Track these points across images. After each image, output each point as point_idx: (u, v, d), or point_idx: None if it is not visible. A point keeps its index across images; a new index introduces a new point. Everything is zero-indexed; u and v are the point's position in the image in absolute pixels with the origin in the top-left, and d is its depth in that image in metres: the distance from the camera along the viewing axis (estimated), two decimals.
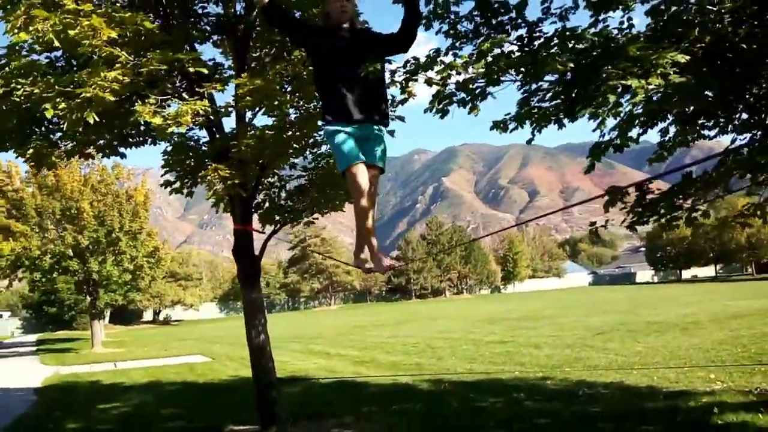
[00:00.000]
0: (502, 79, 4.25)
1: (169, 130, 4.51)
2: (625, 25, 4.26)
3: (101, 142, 5.95)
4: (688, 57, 3.50)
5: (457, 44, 4.82)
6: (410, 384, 8.66)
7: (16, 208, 22.18)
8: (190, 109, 4.53)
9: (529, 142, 4.80)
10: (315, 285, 69.65)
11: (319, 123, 3.57)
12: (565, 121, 4.29)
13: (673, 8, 4.11)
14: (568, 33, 3.89)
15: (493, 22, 4.70)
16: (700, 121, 3.80)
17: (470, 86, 4.33)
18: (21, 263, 21.81)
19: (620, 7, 4.28)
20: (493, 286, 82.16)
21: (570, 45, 3.84)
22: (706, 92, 3.58)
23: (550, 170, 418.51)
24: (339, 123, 2.94)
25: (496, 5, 4.53)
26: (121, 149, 6.14)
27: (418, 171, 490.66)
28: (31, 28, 3.86)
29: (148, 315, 63.01)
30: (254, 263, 5.94)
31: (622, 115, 3.66)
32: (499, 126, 4.51)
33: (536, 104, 4.45)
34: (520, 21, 4.61)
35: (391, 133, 5.20)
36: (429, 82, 4.37)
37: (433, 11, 4.67)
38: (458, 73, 4.27)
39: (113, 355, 20.49)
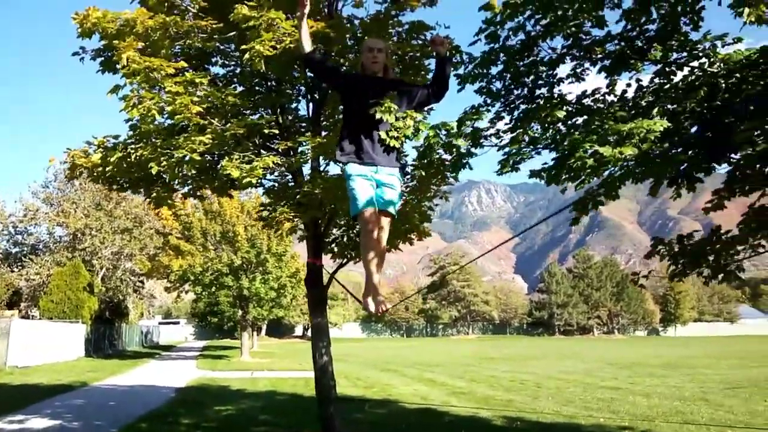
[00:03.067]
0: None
1: (245, 181, 5.56)
2: (633, 86, 4.40)
3: (215, 184, 7.32)
4: (668, 124, 3.64)
5: (489, 101, 5.24)
6: (485, 418, 8.84)
7: (185, 230, 26.04)
8: (262, 164, 5.55)
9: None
10: (453, 313, 69.67)
11: (336, 161, 4.03)
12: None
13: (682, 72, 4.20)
14: (556, 98, 4.18)
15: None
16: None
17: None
18: (187, 278, 25.47)
19: (631, 69, 4.43)
20: (650, 328, 75.17)
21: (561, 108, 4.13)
22: (681, 158, 3.64)
23: (731, 201, 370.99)
24: (351, 160, 3.23)
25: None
26: (230, 191, 7.45)
27: (571, 198, 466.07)
28: (140, 106, 5.14)
29: (299, 330, 67.93)
30: (321, 293, 6.79)
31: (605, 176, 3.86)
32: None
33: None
34: (542, 83, 4.93)
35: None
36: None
37: (471, 72, 5.15)
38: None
39: (256, 364, 22.90)
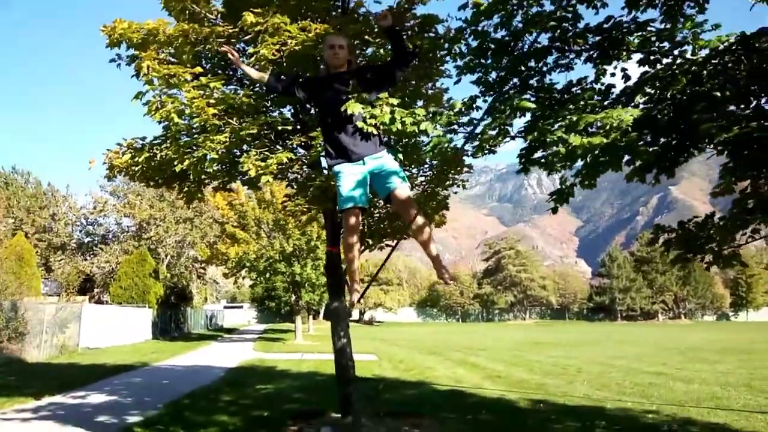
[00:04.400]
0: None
1: (261, 176, 5.97)
2: (618, 75, 4.45)
3: (245, 177, 7.81)
4: (638, 114, 3.72)
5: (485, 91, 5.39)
6: (511, 400, 9.00)
7: (240, 219, 27.18)
8: (276, 160, 5.94)
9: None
10: (509, 298, 68.97)
11: (323, 162, 4.11)
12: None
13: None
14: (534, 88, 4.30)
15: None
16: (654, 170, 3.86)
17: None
18: (243, 264, 26.65)
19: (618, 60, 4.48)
20: (719, 313, 71.74)
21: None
22: (653, 147, 3.69)
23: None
24: (340, 161, 3.40)
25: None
26: (259, 183, 7.91)
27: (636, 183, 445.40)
28: (161, 110, 5.62)
29: (355, 314, 69.26)
30: (340, 279, 7.16)
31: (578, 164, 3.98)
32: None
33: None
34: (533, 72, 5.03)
35: None
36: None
37: (466, 64, 5.33)
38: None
39: (308, 347, 23.80)
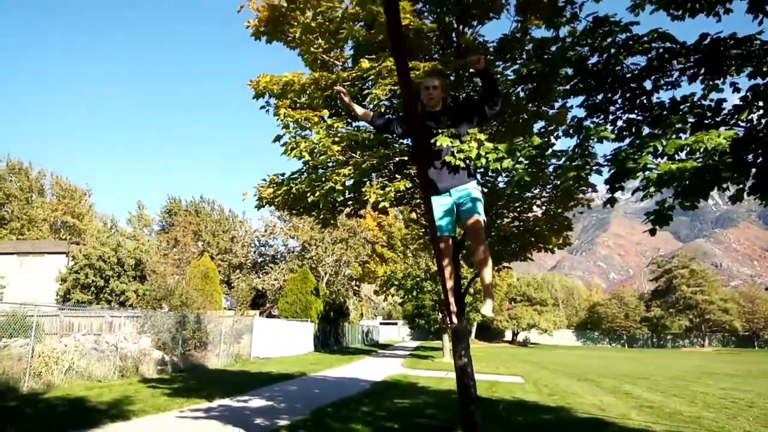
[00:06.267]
0: None
1: (381, 204, 6.55)
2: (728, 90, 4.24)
3: (381, 204, 8.50)
4: (734, 134, 3.56)
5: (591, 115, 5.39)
6: None
7: (389, 239, 28.49)
8: (394, 188, 6.49)
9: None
10: (683, 322, 62.07)
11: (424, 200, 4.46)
12: None
13: None
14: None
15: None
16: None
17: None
18: (391, 283, 27.84)
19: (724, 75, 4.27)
20: None
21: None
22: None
23: None
24: (432, 194, 3.74)
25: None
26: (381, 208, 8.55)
27: None
28: (294, 151, 6.47)
29: (508, 335, 67.66)
30: (460, 300, 7.41)
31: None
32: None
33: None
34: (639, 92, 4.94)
35: None
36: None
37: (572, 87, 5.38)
38: None
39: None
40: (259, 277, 38.42)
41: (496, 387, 14.94)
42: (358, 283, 40.02)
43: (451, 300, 4.06)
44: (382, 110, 6.06)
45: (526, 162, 4.26)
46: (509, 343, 64.24)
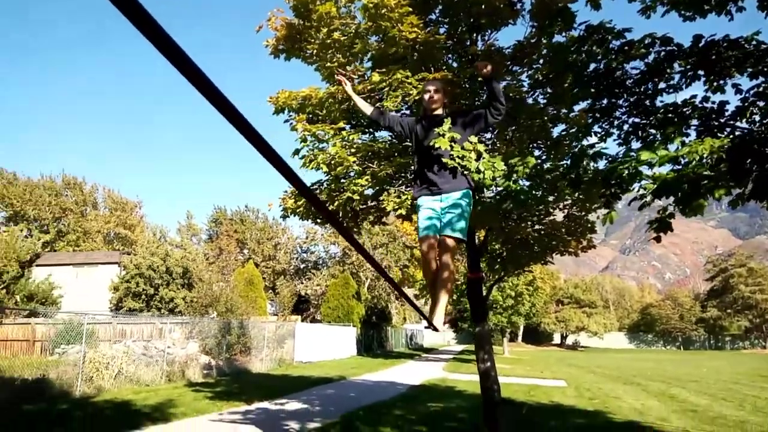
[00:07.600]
0: None
1: (398, 212, 6.71)
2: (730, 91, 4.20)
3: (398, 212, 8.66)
4: (719, 143, 3.56)
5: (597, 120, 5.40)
6: None
7: None
8: (409, 195, 6.63)
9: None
10: (742, 323, 59.26)
11: (413, 197, 4.52)
12: None
13: None
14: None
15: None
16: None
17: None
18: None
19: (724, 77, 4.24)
20: None
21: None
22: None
23: None
24: (422, 193, 3.77)
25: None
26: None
27: None
28: (312, 163, 6.71)
29: (557, 338, 66.24)
30: (482, 304, 7.47)
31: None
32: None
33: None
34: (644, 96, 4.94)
35: None
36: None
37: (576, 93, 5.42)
38: None
39: (498, 370, 23.78)
40: (302, 283, 39.15)
41: (535, 391, 14.78)
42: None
43: (438, 302, 4.02)
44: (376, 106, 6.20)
45: (527, 183, 4.33)
46: (558, 347, 62.90)
